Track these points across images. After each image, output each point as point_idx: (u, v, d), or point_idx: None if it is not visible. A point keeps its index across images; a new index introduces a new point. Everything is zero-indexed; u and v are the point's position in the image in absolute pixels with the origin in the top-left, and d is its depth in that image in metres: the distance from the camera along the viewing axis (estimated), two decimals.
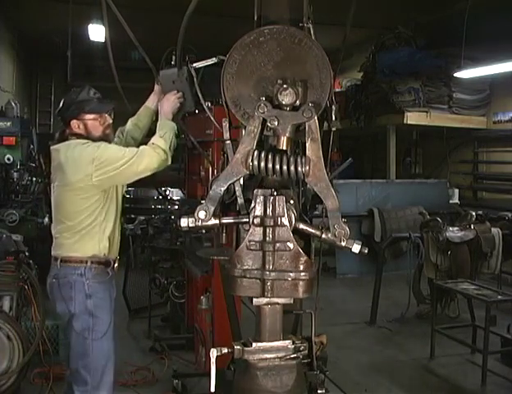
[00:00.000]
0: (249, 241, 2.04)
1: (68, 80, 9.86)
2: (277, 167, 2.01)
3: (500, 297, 4.54)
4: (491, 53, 7.39)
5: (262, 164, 2.02)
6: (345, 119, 9.78)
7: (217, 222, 2.14)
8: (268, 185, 2.13)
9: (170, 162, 2.89)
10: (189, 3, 2.39)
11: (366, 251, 2.10)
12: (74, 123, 2.86)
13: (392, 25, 9.68)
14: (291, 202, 2.11)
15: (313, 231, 2.12)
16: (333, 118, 2.25)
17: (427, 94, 8.85)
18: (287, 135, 2.01)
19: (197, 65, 2.82)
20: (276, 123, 2.00)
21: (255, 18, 2.32)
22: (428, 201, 8.11)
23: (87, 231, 2.82)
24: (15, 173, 6.65)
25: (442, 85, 8.91)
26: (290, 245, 2.01)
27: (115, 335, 2.94)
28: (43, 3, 9.51)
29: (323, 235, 2.09)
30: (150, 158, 2.77)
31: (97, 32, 9.12)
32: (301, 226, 2.10)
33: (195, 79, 2.85)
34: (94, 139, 2.85)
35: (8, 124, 6.88)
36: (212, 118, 2.79)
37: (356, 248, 2.08)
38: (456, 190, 9.24)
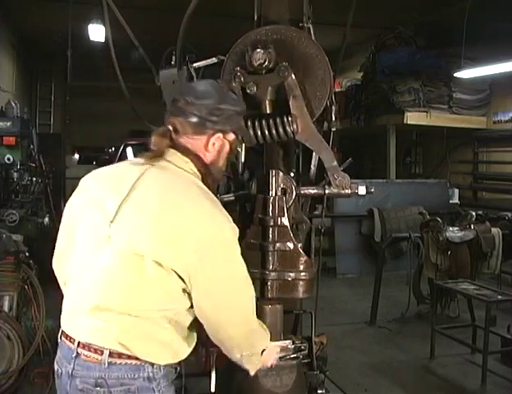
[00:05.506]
0: (249, 241, 2.04)
1: (68, 80, 9.87)
2: (266, 131, 2.01)
3: (500, 297, 4.53)
4: (491, 53, 7.38)
5: (251, 132, 2.01)
6: (345, 119, 9.78)
7: None
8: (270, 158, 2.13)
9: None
10: (188, 3, 2.39)
11: (372, 190, 2.11)
12: (215, 140, 1.71)
13: (392, 25, 9.68)
14: (291, 174, 2.12)
15: (315, 191, 2.11)
16: (333, 118, 2.25)
17: (427, 94, 8.84)
18: (268, 97, 2.01)
19: (197, 65, 2.82)
20: (254, 88, 2.00)
21: (255, 18, 2.33)
22: (428, 201, 8.09)
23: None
24: (15, 173, 6.63)
25: (442, 85, 8.90)
26: (290, 245, 2.01)
27: None
28: (43, 3, 9.51)
29: (327, 191, 2.08)
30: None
31: (97, 32, 9.13)
32: (303, 191, 2.10)
33: (195, 79, 2.85)
34: (205, 178, 1.72)
35: (8, 124, 6.86)
36: None
37: (362, 190, 2.08)
38: (456, 190, 9.22)
